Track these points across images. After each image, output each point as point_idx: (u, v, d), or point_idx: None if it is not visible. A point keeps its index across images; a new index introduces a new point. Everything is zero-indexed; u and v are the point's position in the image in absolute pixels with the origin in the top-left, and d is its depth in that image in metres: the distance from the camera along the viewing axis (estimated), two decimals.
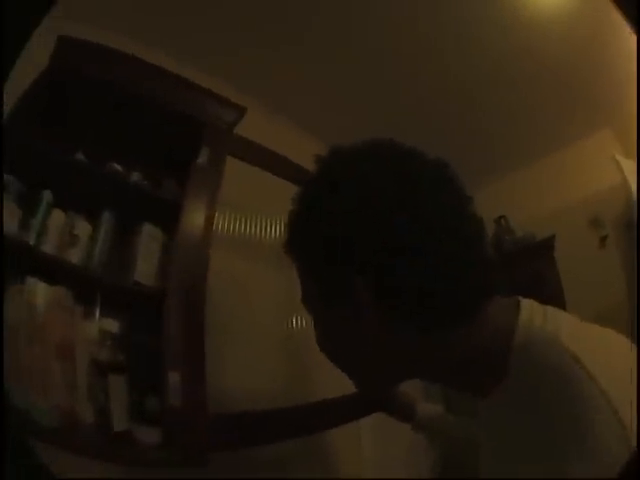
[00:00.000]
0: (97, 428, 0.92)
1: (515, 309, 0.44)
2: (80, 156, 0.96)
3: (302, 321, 1.18)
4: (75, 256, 0.91)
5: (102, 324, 0.90)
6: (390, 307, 0.42)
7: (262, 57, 1.37)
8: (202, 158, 0.95)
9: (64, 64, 0.96)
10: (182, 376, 0.87)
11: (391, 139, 0.47)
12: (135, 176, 0.99)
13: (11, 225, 0.87)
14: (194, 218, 0.91)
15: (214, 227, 1.07)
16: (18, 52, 0.55)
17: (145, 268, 0.91)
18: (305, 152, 1.26)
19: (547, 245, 1.87)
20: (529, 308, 0.44)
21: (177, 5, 1.24)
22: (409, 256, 0.41)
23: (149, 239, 0.93)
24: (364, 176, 0.43)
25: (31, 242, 0.90)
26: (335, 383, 1.16)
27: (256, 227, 1.18)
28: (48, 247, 0.91)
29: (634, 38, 0.49)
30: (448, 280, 0.41)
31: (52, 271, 0.90)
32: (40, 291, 0.88)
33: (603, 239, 1.83)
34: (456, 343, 0.44)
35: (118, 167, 0.99)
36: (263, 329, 1.11)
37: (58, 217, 0.93)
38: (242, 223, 1.17)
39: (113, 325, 0.91)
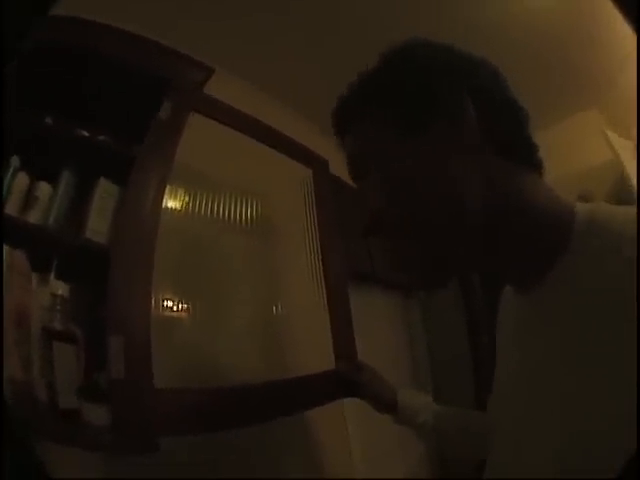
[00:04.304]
0: (48, 405, 0.85)
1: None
2: (48, 120, 0.95)
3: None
4: (33, 217, 0.88)
5: (53, 287, 0.84)
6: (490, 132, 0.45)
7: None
8: (163, 112, 0.90)
9: (37, 40, 0.97)
10: (126, 343, 0.77)
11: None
12: (101, 139, 0.96)
13: None
14: (147, 170, 0.84)
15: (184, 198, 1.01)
16: (18, 52, 0.57)
17: (98, 225, 0.85)
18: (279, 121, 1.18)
19: None
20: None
21: None
22: None
23: (104, 194, 0.87)
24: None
25: None
26: (310, 364, 1.00)
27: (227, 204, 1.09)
28: (10, 210, 0.89)
29: (634, 38, 0.46)
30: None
31: (10, 233, 0.87)
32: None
33: None
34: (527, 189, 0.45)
35: (85, 133, 0.96)
36: (237, 305, 0.99)
37: (23, 180, 0.92)
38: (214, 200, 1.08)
39: (64, 288, 0.85)
